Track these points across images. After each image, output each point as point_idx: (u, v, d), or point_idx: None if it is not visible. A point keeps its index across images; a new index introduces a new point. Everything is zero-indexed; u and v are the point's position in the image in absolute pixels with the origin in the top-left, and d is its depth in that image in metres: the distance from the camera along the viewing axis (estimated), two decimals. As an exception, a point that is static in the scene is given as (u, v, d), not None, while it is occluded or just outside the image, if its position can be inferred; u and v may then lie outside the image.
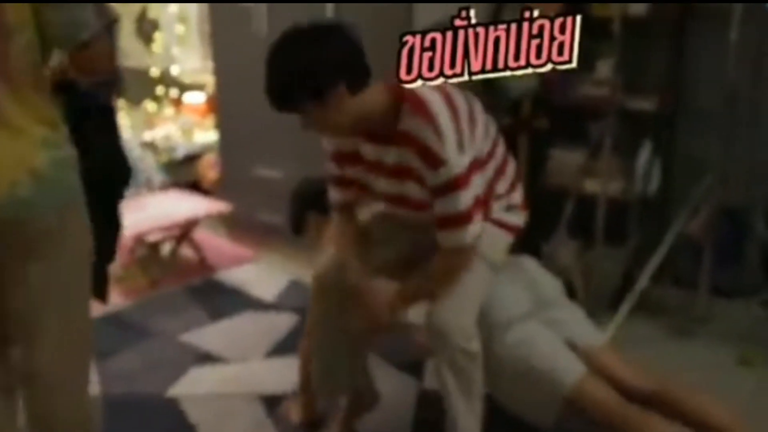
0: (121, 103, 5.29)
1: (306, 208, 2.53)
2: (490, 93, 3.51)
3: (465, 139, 1.84)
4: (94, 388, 2.74)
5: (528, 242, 3.58)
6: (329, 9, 3.40)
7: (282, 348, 3.01)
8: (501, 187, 2.12)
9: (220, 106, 4.25)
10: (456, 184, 1.84)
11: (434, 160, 1.82)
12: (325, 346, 2.21)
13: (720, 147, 2.95)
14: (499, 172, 2.10)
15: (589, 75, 3.46)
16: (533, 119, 3.51)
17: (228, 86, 4.13)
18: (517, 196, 2.21)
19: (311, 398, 2.45)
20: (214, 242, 4.24)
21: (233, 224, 4.27)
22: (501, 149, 2.11)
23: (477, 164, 1.92)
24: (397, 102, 1.83)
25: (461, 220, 1.89)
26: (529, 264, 2.41)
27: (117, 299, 3.53)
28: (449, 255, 1.96)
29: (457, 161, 1.82)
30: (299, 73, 1.75)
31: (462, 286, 2.01)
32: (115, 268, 3.78)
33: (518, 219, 2.21)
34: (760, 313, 3.09)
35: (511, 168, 2.17)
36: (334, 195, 2.15)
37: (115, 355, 3.00)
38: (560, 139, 3.57)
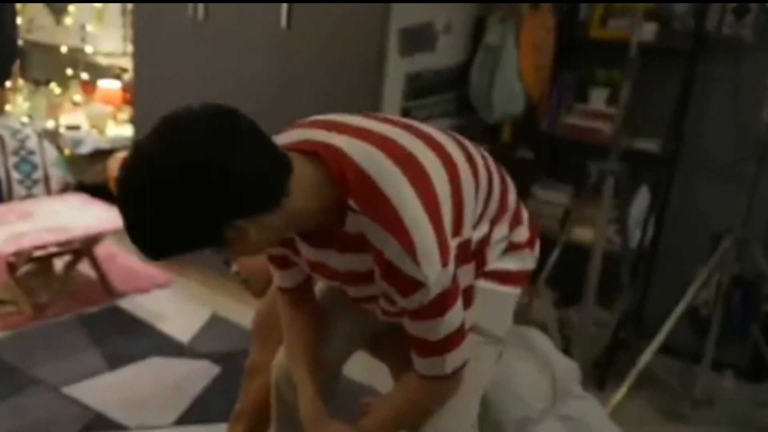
0: (21, 83, 4.52)
1: None
2: (468, 111, 3.03)
3: (449, 237, 1.26)
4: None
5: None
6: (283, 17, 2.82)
7: (197, 411, 2.39)
8: (500, 231, 1.51)
9: (137, 98, 3.56)
10: (438, 308, 1.29)
11: (405, 285, 1.24)
12: None
13: (731, 204, 2.54)
14: (501, 210, 1.50)
15: (582, 104, 3.02)
16: (515, 148, 3.03)
17: (149, 75, 3.45)
18: (523, 230, 1.60)
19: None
20: (120, 259, 3.53)
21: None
22: (497, 184, 1.48)
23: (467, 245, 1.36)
24: (338, 192, 1.23)
25: (443, 347, 1.34)
26: (539, 337, 1.89)
27: (-13, 329, 2.81)
28: (424, 384, 1.40)
29: (439, 278, 1.24)
30: (173, 226, 1.14)
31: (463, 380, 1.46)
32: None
33: (525, 262, 1.60)
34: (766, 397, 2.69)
35: (511, 197, 1.57)
36: (278, 280, 1.56)
37: (-25, 412, 2.30)
38: (544, 175, 3.10)
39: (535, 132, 3.04)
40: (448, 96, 3.01)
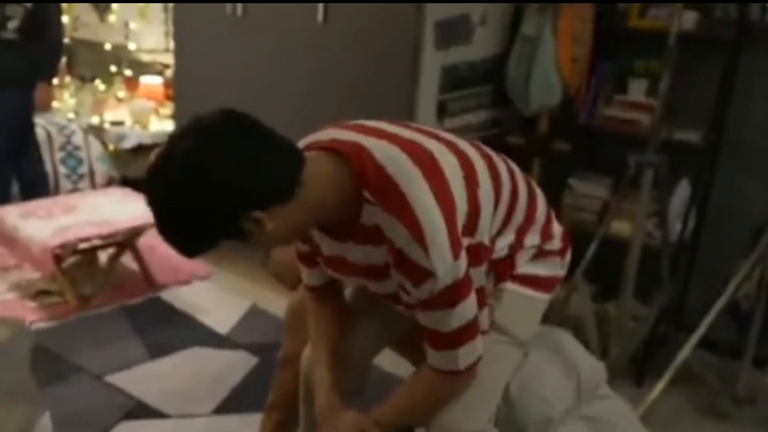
0: (68, 80, 4.65)
1: None
2: (504, 104, 3.01)
3: (459, 235, 1.29)
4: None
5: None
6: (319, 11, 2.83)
7: (234, 401, 2.43)
8: (529, 239, 1.53)
9: (178, 93, 3.62)
10: (449, 299, 1.30)
11: (415, 274, 1.28)
12: None
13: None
14: (527, 222, 1.52)
15: (621, 95, 2.97)
16: (551, 140, 3.00)
17: (189, 71, 3.52)
18: (555, 242, 1.61)
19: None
20: (161, 252, 3.58)
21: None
22: (523, 195, 1.51)
23: (483, 249, 1.38)
24: (356, 185, 1.28)
25: (456, 340, 1.35)
26: (566, 339, 1.87)
27: (35, 318, 2.90)
28: (438, 377, 1.41)
29: (449, 269, 1.27)
30: (194, 221, 1.22)
31: (479, 375, 1.45)
32: (37, 280, 3.17)
33: (555, 268, 1.61)
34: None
35: (541, 206, 1.58)
36: (305, 278, 1.61)
37: (23, 397, 2.37)
38: (581, 168, 3.06)
39: (572, 124, 3.00)
40: (484, 88, 3.00)
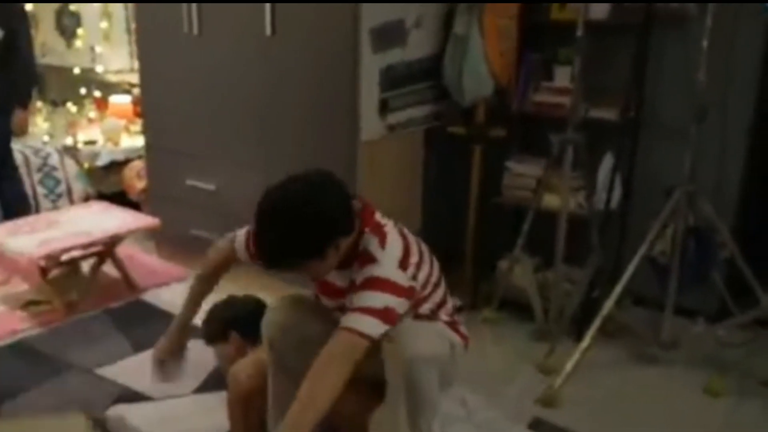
0: (40, 105, 4.88)
1: (227, 326, 2.52)
2: (444, 98, 3.30)
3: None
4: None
5: (483, 260, 3.41)
6: (267, 9, 3.10)
7: (213, 381, 2.68)
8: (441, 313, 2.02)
9: (146, 110, 3.87)
10: (385, 286, 1.75)
11: (363, 263, 1.80)
12: None
13: (684, 161, 2.77)
14: (439, 305, 2.01)
15: (548, 82, 3.27)
16: (488, 128, 3.29)
17: (155, 88, 3.77)
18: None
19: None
20: (141, 259, 3.87)
21: (163, 239, 3.90)
22: (441, 291, 2.01)
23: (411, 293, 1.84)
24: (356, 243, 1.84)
25: (373, 312, 1.73)
26: None
27: (26, 326, 3.15)
28: (342, 333, 1.72)
29: (392, 268, 1.78)
30: (299, 239, 1.73)
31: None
32: (25, 291, 3.41)
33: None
34: (726, 337, 2.93)
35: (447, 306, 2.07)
36: (240, 251, 2.16)
37: (23, 393, 2.62)
38: (517, 151, 3.36)
39: (506, 112, 3.29)
40: (424, 85, 3.29)
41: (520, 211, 3.25)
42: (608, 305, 2.66)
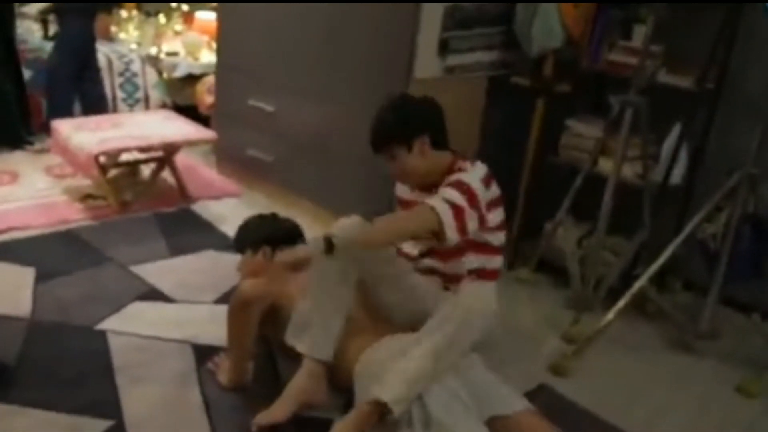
0: (135, 13, 5.02)
1: (261, 239, 2.47)
2: (513, 47, 3.16)
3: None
4: (25, 308, 2.55)
5: (530, 219, 3.30)
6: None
7: (226, 296, 2.76)
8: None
9: (222, 29, 3.91)
10: (463, 186, 2.06)
11: (454, 171, 2.16)
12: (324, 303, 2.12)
13: (759, 142, 2.55)
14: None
15: (625, 41, 3.06)
16: (554, 82, 3.13)
17: (232, 9, 3.79)
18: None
19: (240, 362, 2.21)
20: (200, 171, 3.98)
21: (223, 155, 3.99)
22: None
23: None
24: (450, 169, 2.17)
25: (451, 203, 2.02)
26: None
27: (80, 216, 3.32)
28: (423, 207, 2.03)
29: (476, 181, 2.09)
30: (396, 122, 2.16)
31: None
32: (86, 186, 3.58)
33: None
34: (771, 334, 2.73)
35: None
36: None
37: (61, 276, 2.79)
38: (581, 109, 3.19)
39: (575, 67, 3.12)
40: (493, 30, 3.15)
41: (573, 172, 3.10)
42: (640, 282, 2.51)
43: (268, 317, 2.22)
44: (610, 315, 2.53)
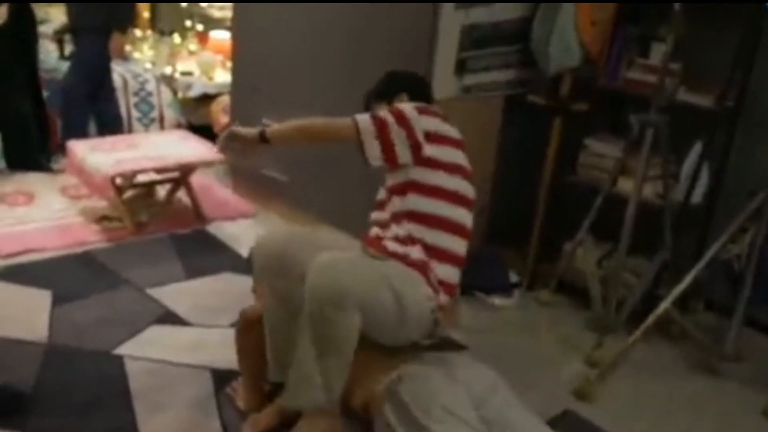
0: (149, 33, 5.05)
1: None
2: (530, 65, 3.14)
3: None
4: (41, 332, 2.53)
5: (548, 239, 3.26)
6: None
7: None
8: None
9: (237, 48, 3.92)
10: (390, 109, 2.11)
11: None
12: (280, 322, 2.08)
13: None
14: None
15: (643, 59, 3.03)
16: (571, 101, 3.10)
17: (247, 28, 3.80)
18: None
19: (254, 386, 2.18)
20: (216, 191, 3.97)
21: (239, 175, 3.98)
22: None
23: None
24: None
25: (373, 115, 2.08)
26: (457, 358, 2.11)
27: (96, 238, 3.31)
28: (344, 118, 2.09)
29: (407, 105, 2.12)
30: (379, 82, 2.35)
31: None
32: (102, 207, 3.58)
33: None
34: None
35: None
36: None
37: (77, 300, 2.77)
38: (599, 128, 3.16)
39: (593, 86, 3.09)
40: (509, 49, 3.13)
41: (592, 192, 3.07)
42: (664, 304, 2.47)
43: None
44: (634, 336, 2.49)
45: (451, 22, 2.85)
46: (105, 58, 4.04)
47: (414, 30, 2.89)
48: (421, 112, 2.08)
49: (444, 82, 2.93)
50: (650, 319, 2.49)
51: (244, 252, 3.29)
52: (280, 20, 3.54)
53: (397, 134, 2.01)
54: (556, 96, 3.13)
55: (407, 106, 2.09)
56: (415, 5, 2.86)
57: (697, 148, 2.90)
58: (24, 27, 3.76)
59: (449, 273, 2.08)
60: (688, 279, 2.48)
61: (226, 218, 3.68)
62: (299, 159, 3.54)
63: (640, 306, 2.85)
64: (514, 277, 3.17)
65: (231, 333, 2.59)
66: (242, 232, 3.53)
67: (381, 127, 2.02)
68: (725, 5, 2.77)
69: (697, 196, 2.91)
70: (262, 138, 2.14)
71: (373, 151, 2.02)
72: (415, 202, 2.04)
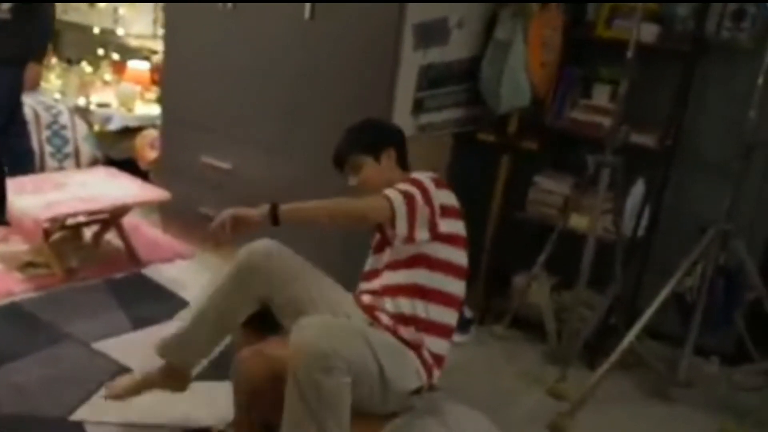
0: (55, 61, 4.74)
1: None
2: (478, 104, 3.20)
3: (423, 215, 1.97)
4: (-19, 401, 2.28)
5: (497, 274, 3.32)
6: (306, 8, 3.00)
7: (213, 369, 2.58)
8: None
9: (167, 80, 3.75)
10: (411, 180, 2.02)
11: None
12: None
13: (719, 198, 2.69)
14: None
15: (586, 100, 3.18)
16: (520, 139, 3.19)
17: (178, 58, 3.64)
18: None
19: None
20: (145, 231, 3.76)
21: (169, 214, 3.78)
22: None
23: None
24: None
25: (400, 190, 1.96)
26: (450, 405, 2.10)
27: (23, 288, 3.04)
28: (377, 195, 1.97)
29: (424, 176, 2.05)
30: (368, 132, 2.21)
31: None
32: (23, 252, 3.30)
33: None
34: (743, 382, 2.86)
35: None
36: None
37: (14, 360, 2.51)
38: (544, 166, 3.27)
39: (540, 125, 3.20)
40: (459, 88, 3.18)
41: (541, 227, 3.16)
42: (629, 338, 2.57)
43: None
44: (602, 371, 2.57)
45: (411, 62, 2.87)
46: (17, 88, 3.73)
47: (373, 70, 2.88)
48: (437, 185, 2.03)
49: (402, 122, 2.92)
50: (616, 353, 2.58)
51: (188, 296, 3.13)
52: (217, 47, 3.42)
53: (422, 212, 1.95)
54: (505, 134, 3.21)
55: (425, 179, 2.02)
56: (376, 44, 2.85)
57: (639, 184, 3.06)
58: None
59: (443, 346, 2.05)
60: (649, 312, 2.59)
61: (162, 260, 3.48)
62: (242, 197, 3.40)
63: (592, 337, 2.96)
64: (468, 313, 3.19)
65: (196, 387, 2.46)
66: (182, 276, 3.35)
67: (411, 204, 1.94)
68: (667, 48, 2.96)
69: (641, 230, 3.06)
70: (274, 219, 1.96)
71: (402, 223, 1.93)
72: (422, 276, 2.01)
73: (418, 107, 2.99)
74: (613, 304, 3.00)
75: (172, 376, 2.23)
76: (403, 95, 2.90)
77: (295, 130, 3.20)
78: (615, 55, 2.97)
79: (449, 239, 2.03)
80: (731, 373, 2.86)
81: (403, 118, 2.93)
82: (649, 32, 2.93)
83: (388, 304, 2.03)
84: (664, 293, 2.59)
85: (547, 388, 2.78)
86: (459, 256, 2.06)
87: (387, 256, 2.09)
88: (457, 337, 3.07)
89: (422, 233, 1.96)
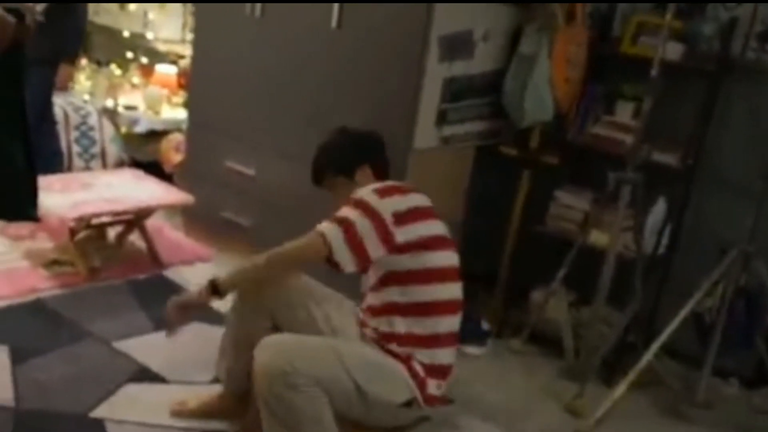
0: (85, 63, 4.82)
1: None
2: (500, 117, 3.22)
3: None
4: (6, 394, 2.32)
5: (515, 288, 3.32)
6: (333, 17, 3.04)
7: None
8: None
9: (194, 85, 3.80)
10: (352, 201, 1.98)
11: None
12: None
13: (741, 218, 2.68)
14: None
15: (608, 116, 3.18)
16: (541, 154, 3.20)
17: (206, 63, 3.69)
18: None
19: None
20: (167, 233, 3.81)
21: (193, 217, 3.83)
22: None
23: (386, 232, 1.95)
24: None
25: (336, 218, 1.94)
26: None
27: (47, 285, 3.09)
28: (313, 231, 1.95)
29: (366, 192, 2.00)
30: (336, 151, 2.23)
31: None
32: (49, 250, 3.35)
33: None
34: (763, 404, 2.84)
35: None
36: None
37: (38, 356, 2.56)
38: (566, 181, 3.27)
39: (562, 140, 3.21)
40: (482, 101, 3.20)
41: (560, 242, 3.16)
42: (647, 357, 2.57)
43: None
44: (620, 390, 2.56)
45: (435, 74, 2.89)
46: (49, 89, 3.81)
47: (398, 80, 2.90)
48: (382, 195, 1.96)
49: (425, 133, 2.96)
50: (634, 372, 2.58)
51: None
52: (244, 54, 3.47)
53: (364, 229, 1.89)
54: (526, 148, 3.22)
55: (367, 194, 1.97)
56: (401, 55, 2.88)
57: (661, 202, 3.05)
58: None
59: (438, 356, 2.01)
60: (668, 331, 2.59)
61: (182, 262, 3.52)
62: (265, 203, 3.46)
63: (610, 354, 2.96)
64: (485, 326, 3.20)
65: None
66: (202, 278, 3.35)
67: (347, 228, 1.89)
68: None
69: (662, 248, 3.06)
70: (215, 291, 2.05)
71: (343, 256, 1.88)
72: (395, 293, 1.98)
73: (442, 119, 3.01)
74: (631, 321, 2.99)
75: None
76: (427, 106, 2.92)
77: (319, 139, 3.22)
78: (639, 72, 2.96)
79: (417, 246, 1.95)
80: (750, 396, 2.84)
81: (426, 129, 2.96)
82: (674, 50, 2.93)
83: (372, 322, 2.06)
84: (683, 312, 2.58)
85: (563, 404, 2.78)
86: (437, 259, 1.99)
87: (370, 277, 2.10)
88: (473, 350, 3.10)
89: (376, 252, 1.91)
